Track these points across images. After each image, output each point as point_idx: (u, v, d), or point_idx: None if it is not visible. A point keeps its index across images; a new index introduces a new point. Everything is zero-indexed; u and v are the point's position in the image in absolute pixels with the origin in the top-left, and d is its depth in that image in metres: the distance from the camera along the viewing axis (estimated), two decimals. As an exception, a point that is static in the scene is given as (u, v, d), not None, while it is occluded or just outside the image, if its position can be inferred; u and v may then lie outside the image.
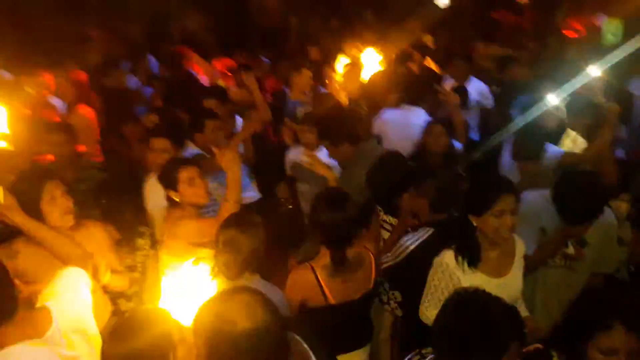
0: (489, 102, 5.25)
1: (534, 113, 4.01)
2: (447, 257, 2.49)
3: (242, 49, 6.71)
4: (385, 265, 2.90)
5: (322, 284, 2.57)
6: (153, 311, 1.97)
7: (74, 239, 2.55)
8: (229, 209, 2.96)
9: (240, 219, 2.53)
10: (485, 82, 5.43)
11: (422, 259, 2.67)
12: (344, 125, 3.75)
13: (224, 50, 7.07)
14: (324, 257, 2.60)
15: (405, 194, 3.09)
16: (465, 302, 1.76)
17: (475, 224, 2.44)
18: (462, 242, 2.47)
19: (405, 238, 2.90)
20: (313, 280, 2.57)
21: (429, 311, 2.55)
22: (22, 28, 7.12)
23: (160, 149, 3.45)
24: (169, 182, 2.99)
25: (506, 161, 4.06)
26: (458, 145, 4.31)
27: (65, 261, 2.37)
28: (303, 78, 5.15)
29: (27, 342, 1.93)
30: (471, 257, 2.44)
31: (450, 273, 2.46)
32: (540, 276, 2.90)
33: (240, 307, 1.60)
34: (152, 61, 6.41)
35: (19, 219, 2.42)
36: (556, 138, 4.01)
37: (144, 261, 3.15)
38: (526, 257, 2.62)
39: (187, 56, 6.19)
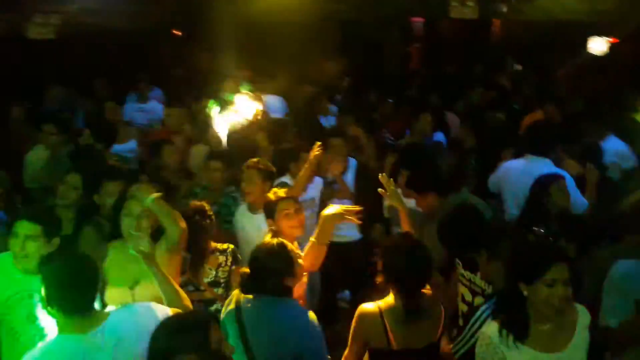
0: (628, 164, 4.66)
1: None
2: (491, 329, 2.28)
3: (371, 92, 6.84)
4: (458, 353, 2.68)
5: (387, 328, 2.55)
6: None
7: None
8: (314, 248, 3.17)
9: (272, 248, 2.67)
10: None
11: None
12: (430, 176, 3.71)
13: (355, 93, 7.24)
14: (394, 301, 2.59)
15: (480, 252, 2.84)
16: None
17: (525, 294, 2.21)
18: (509, 314, 2.26)
19: (480, 310, 2.62)
20: (379, 322, 2.57)
21: None
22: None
23: (249, 179, 3.77)
24: (269, 211, 3.33)
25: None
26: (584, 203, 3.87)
27: (167, 303, 2.47)
28: (422, 122, 5.07)
29: (71, 333, 2.07)
30: (518, 330, 2.21)
31: (494, 347, 2.24)
32: (632, 356, 2.47)
33: None
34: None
35: (149, 263, 2.57)
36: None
37: (226, 277, 3.31)
38: (613, 332, 2.33)
39: (319, 98, 6.45)
